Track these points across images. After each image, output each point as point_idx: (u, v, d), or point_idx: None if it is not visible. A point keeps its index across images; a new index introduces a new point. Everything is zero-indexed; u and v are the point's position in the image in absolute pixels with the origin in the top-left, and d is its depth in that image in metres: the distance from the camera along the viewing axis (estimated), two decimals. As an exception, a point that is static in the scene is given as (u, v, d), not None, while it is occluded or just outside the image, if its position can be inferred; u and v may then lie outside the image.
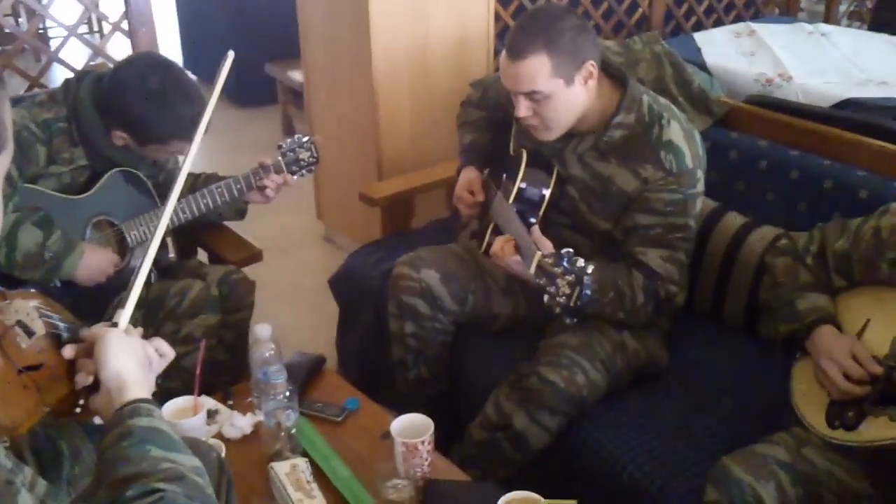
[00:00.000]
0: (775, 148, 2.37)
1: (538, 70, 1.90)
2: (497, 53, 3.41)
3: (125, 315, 1.25)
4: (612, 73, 2.07)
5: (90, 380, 1.20)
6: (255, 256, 2.47)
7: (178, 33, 5.95)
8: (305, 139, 2.30)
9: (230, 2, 5.24)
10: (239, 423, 1.88)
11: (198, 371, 1.70)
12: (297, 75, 4.70)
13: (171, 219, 2.11)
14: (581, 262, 1.67)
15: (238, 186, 2.23)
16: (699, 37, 3.50)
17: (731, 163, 2.39)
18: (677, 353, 2.16)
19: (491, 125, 2.42)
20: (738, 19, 4.50)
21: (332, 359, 2.58)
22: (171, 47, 5.90)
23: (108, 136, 2.11)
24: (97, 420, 1.22)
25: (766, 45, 3.43)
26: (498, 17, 3.48)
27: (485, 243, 2.18)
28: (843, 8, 5.09)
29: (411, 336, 2.19)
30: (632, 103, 2.01)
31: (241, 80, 4.89)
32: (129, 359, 1.18)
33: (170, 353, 1.29)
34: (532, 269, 1.75)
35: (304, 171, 2.31)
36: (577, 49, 1.91)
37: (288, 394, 1.78)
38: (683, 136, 2.00)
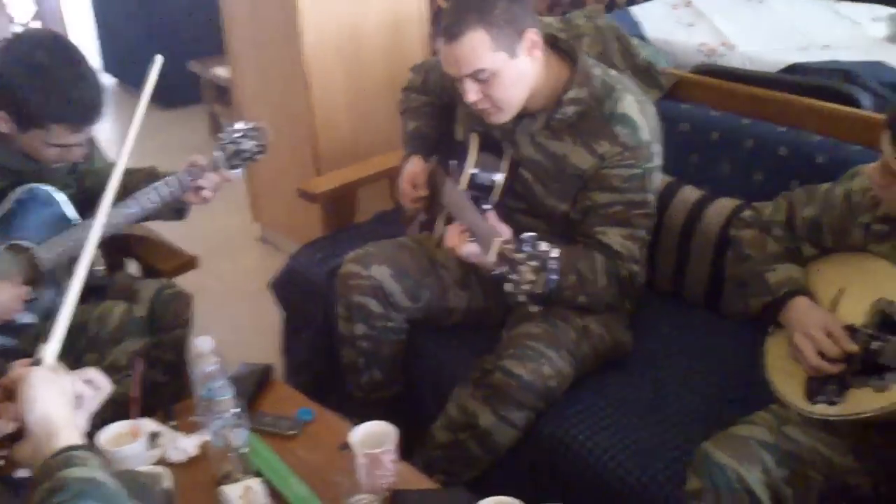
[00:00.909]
0: (727, 117, 2.30)
1: (477, 46, 1.79)
2: (433, 37, 3.29)
3: (50, 350, 1.11)
4: (560, 49, 1.97)
5: (12, 427, 1.06)
6: (188, 264, 2.32)
7: (95, 34, 5.68)
8: (250, 126, 2.08)
9: (147, 0, 5.03)
10: (183, 445, 1.73)
11: (136, 393, 1.55)
12: (221, 71, 4.53)
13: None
14: (544, 245, 1.56)
15: (170, 189, 2.01)
16: (636, 10, 3.43)
17: (684, 135, 2.31)
18: (640, 334, 2.08)
19: (435, 111, 2.30)
20: (671, -8, 4.45)
21: (278, 367, 2.44)
22: (87, 49, 5.62)
23: None
24: (22, 472, 1.07)
25: (704, 15, 3.37)
26: (431, 0, 3.36)
27: (437, 234, 2.07)
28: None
29: (363, 338, 2.07)
30: (583, 78, 1.91)
31: (163, 79, 4.64)
32: (57, 400, 1.04)
33: (105, 385, 1.14)
34: (492, 257, 1.63)
35: (246, 163, 2.09)
36: (514, 18, 1.81)
37: (236, 410, 1.64)
38: (638, 109, 1.92)
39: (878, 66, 2.72)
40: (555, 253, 1.54)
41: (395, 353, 2.10)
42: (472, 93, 1.86)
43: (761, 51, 3.02)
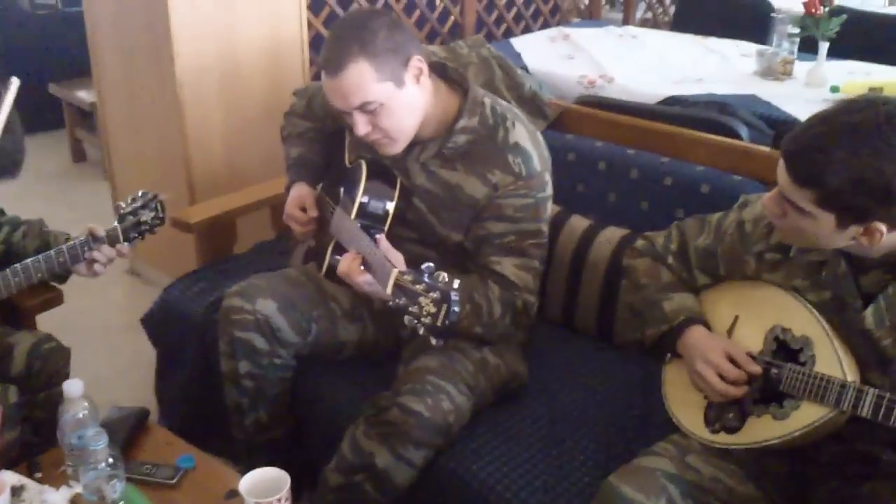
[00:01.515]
0: (612, 148, 2.32)
1: (362, 78, 1.73)
2: (312, 63, 3.21)
3: None
4: (449, 77, 1.93)
5: None
6: (54, 299, 2.13)
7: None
8: (150, 196, 1.96)
9: (1, 22, 4.72)
10: (52, 500, 1.56)
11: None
12: (84, 95, 4.32)
13: None
14: (444, 276, 1.50)
15: (61, 261, 1.86)
16: (516, 42, 3.47)
17: (570, 165, 2.32)
18: (534, 365, 2.04)
19: (320, 136, 2.22)
20: (544, 26, 4.55)
21: (152, 410, 2.27)
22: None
23: None
24: None
25: (582, 48, 3.45)
26: (310, 25, 3.28)
27: (326, 264, 1.97)
28: (638, 15, 5.29)
29: (247, 376, 1.95)
30: (474, 106, 1.88)
31: (22, 103, 4.38)
32: None
33: None
34: (388, 289, 1.56)
35: (143, 236, 1.97)
36: (397, 46, 1.76)
37: (111, 460, 1.50)
38: (529, 139, 1.90)
39: (751, 99, 2.83)
40: (456, 284, 1.49)
41: (282, 391, 1.99)
42: (361, 125, 1.79)
43: (639, 83, 3.10)
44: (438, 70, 1.93)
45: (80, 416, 1.58)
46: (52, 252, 1.85)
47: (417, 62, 1.79)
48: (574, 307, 2.22)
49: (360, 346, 2.06)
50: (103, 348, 2.94)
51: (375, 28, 1.75)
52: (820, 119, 1.37)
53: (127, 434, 1.76)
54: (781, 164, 1.40)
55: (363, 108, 1.77)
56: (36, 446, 1.82)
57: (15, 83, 1.34)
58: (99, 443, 1.48)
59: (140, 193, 1.97)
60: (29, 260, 1.82)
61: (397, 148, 1.85)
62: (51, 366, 1.93)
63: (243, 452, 2.04)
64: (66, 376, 1.93)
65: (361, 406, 1.84)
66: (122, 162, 3.28)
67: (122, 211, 1.94)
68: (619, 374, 2.06)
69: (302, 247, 2.23)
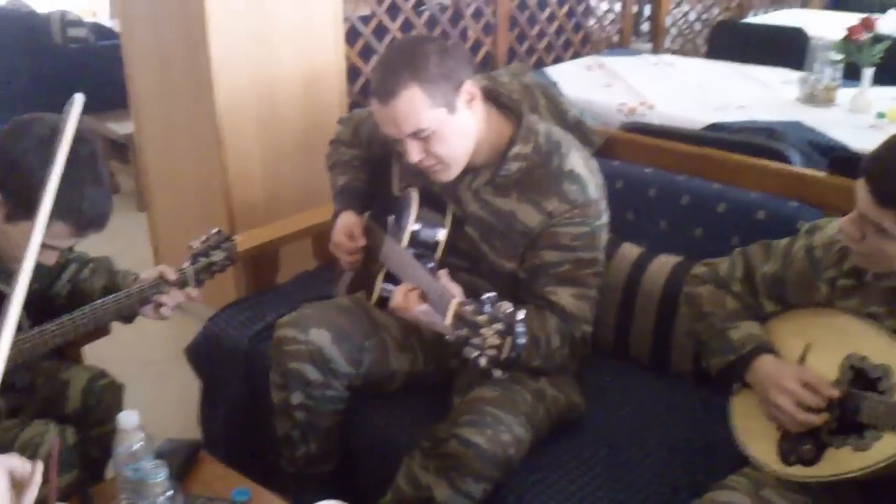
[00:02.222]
0: (662, 174, 2.28)
1: (414, 104, 1.71)
2: (349, 94, 3.21)
3: None
4: (502, 104, 1.91)
5: None
6: (100, 331, 2.10)
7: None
8: (224, 236, 1.93)
9: (34, 55, 4.76)
10: (106, 535, 1.53)
11: (53, 479, 1.34)
12: (118, 127, 4.34)
13: (38, 343, 1.68)
14: (508, 307, 1.47)
15: (130, 303, 1.80)
16: (552, 71, 3.46)
17: (619, 192, 2.28)
18: (589, 395, 1.99)
19: (367, 164, 2.20)
20: (575, 56, 4.54)
21: (197, 441, 2.24)
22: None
23: None
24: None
25: (619, 76, 3.43)
26: (346, 57, 3.28)
27: (376, 294, 1.94)
28: (666, 45, 5.28)
29: (299, 407, 1.91)
30: (528, 133, 1.86)
31: (53, 136, 4.42)
32: None
33: (30, 470, 0.96)
34: (448, 320, 1.52)
35: (213, 277, 1.92)
36: (449, 71, 1.74)
37: (169, 493, 1.46)
38: (584, 165, 1.87)
39: (797, 125, 2.80)
40: (521, 315, 1.45)
41: (334, 423, 1.95)
42: (414, 153, 1.77)
43: (680, 111, 3.08)
44: (491, 96, 1.91)
45: (136, 448, 1.55)
46: (120, 295, 1.79)
47: (470, 87, 1.77)
48: (627, 336, 2.18)
49: (411, 377, 2.02)
50: (146, 380, 2.90)
51: (427, 53, 1.73)
52: None
53: (180, 466, 1.72)
54: (862, 185, 1.36)
55: (416, 134, 1.75)
56: (87, 482, 1.78)
57: (79, 100, 1.31)
58: (158, 476, 1.45)
59: (214, 232, 1.94)
60: (98, 302, 1.76)
61: (451, 174, 1.83)
62: (106, 402, 1.90)
63: (293, 485, 2.00)
64: (119, 412, 1.89)
65: (416, 438, 1.80)
66: (159, 193, 3.28)
67: (193, 251, 1.89)
68: (676, 404, 2.01)
69: (347, 276, 2.20)
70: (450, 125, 1.76)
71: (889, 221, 1.33)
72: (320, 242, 2.61)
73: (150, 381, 2.90)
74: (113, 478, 1.67)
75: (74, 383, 1.88)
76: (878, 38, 3.27)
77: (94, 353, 2.18)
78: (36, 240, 1.12)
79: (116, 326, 2.15)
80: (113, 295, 1.79)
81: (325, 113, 3.10)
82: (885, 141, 1.38)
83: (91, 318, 1.74)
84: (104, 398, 1.90)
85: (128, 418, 1.58)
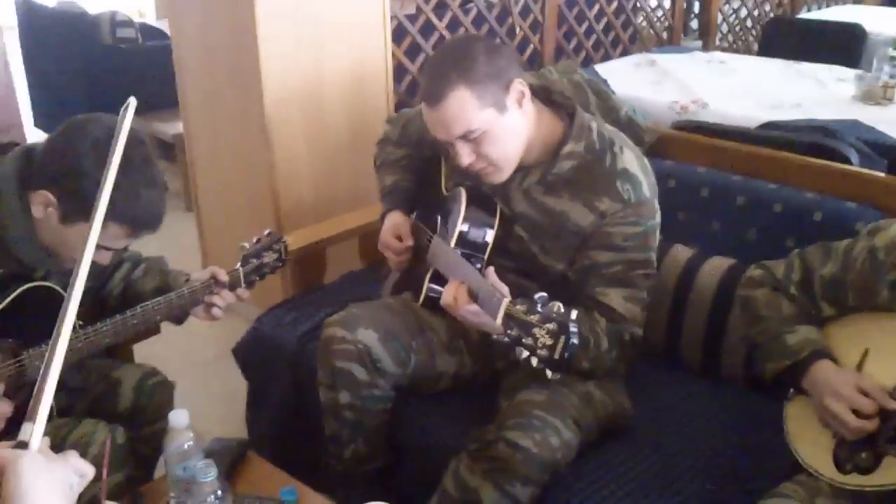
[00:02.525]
0: (715, 174, 2.24)
1: (464, 106, 1.69)
2: (396, 91, 3.21)
3: (37, 430, 0.92)
4: (554, 102, 1.88)
5: None
6: (151, 330, 2.12)
7: (26, 86, 5.43)
8: (276, 237, 1.94)
9: (84, 55, 4.84)
10: (156, 533, 1.54)
11: (105, 475, 1.35)
12: (165, 127, 4.40)
13: (91, 342, 1.68)
14: (560, 306, 1.45)
15: (182, 304, 1.80)
16: (601, 69, 3.42)
17: (670, 192, 2.24)
18: (637, 400, 1.95)
19: (414, 164, 2.19)
20: (624, 54, 4.49)
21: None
22: (21, 103, 5.37)
23: (25, 218, 1.63)
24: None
25: (670, 74, 3.38)
26: (392, 56, 3.28)
27: (423, 294, 1.93)
28: (718, 42, 5.20)
29: (347, 407, 1.91)
30: (581, 131, 1.83)
31: (105, 136, 4.50)
32: (51, 494, 0.86)
33: (89, 471, 0.97)
34: (499, 319, 1.51)
35: (263, 278, 1.93)
36: (498, 71, 1.72)
37: (219, 492, 1.47)
38: (638, 164, 1.84)
39: (855, 124, 2.73)
40: (574, 315, 1.43)
41: (381, 423, 1.94)
42: (465, 156, 1.75)
43: (734, 108, 3.02)
44: (542, 94, 1.88)
45: (186, 447, 1.56)
46: (172, 295, 1.79)
47: (519, 86, 1.75)
48: (678, 340, 2.14)
49: (457, 378, 2.01)
50: (193, 379, 2.93)
51: (474, 54, 1.71)
52: None
53: (228, 466, 1.73)
54: None
55: (466, 136, 1.73)
56: (138, 481, 1.80)
57: (132, 104, 1.31)
58: (208, 475, 1.45)
59: (266, 233, 1.94)
60: (149, 303, 1.76)
61: (503, 176, 1.81)
62: (157, 401, 1.91)
63: (340, 484, 2.00)
64: (170, 410, 1.91)
65: (462, 439, 1.78)
66: (207, 193, 3.31)
67: (245, 253, 1.90)
68: (727, 410, 1.97)
69: (394, 276, 2.19)
70: (500, 125, 1.74)
71: None
72: (367, 242, 2.61)
73: (198, 381, 2.92)
74: (162, 476, 1.69)
75: (126, 381, 1.90)
76: (939, 33, 3.18)
77: (143, 353, 2.20)
78: (92, 241, 1.13)
79: (165, 326, 2.18)
80: (164, 295, 1.79)
81: (371, 112, 3.10)
82: None
83: (142, 318, 1.75)
84: (155, 396, 1.91)
85: (178, 417, 1.59)
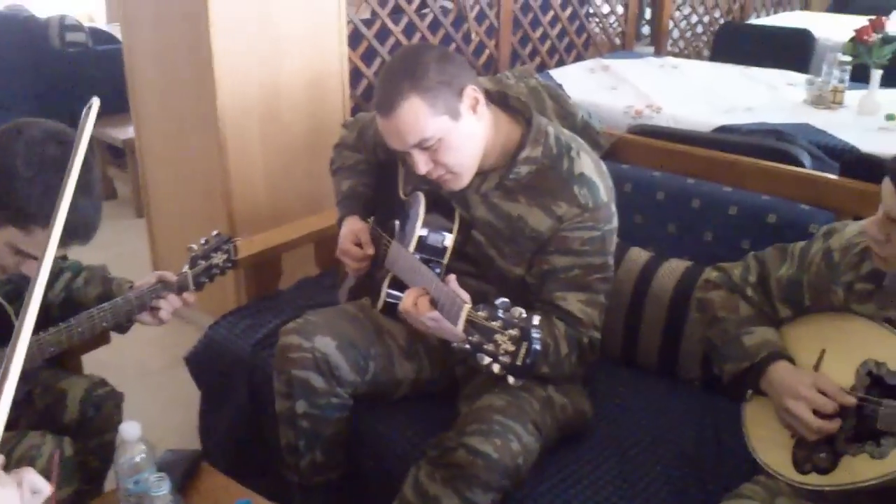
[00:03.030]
0: (671, 178, 2.26)
1: (417, 115, 1.67)
2: (353, 96, 3.18)
3: None
4: (510, 107, 1.88)
5: None
6: (100, 338, 2.06)
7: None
8: (224, 238, 1.90)
9: (33, 59, 4.73)
10: (107, 549, 1.49)
11: (53, 492, 1.31)
12: (116, 132, 4.31)
13: (34, 352, 1.62)
14: (522, 312, 1.43)
15: (127, 309, 1.76)
16: (556, 74, 3.43)
17: (627, 196, 2.25)
18: (597, 402, 1.96)
19: (372, 168, 2.17)
20: (578, 59, 4.52)
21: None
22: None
23: None
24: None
25: (624, 79, 3.40)
26: (348, 60, 3.25)
27: (382, 299, 1.90)
28: (669, 47, 5.25)
29: (304, 416, 1.87)
30: (538, 135, 1.82)
31: (53, 141, 4.42)
32: None
33: (45, 488, 0.93)
34: (460, 325, 1.49)
35: (212, 280, 1.88)
36: (450, 78, 1.70)
37: (172, 506, 1.43)
38: (595, 169, 1.83)
39: (806, 127, 2.77)
40: (536, 320, 1.41)
41: (339, 431, 1.91)
42: (422, 164, 1.73)
43: (688, 113, 3.05)
44: (499, 100, 1.88)
45: (138, 459, 1.51)
46: (118, 300, 1.75)
47: (472, 92, 1.74)
48: (635, 342, 2.14)
49: (416, 385, 1.99)
50: (145, 389, 2.87)
51: (425, 62, 1.70)
52: None
53: (182, 478, 1.69)
54: (889, 186, 1.32)
55: (421, 145, 1.71)
56: (88, 494, 1.74)
57: (95, 104, 1.26)
58: (161, 489, 1.41)
59: (214, 234, 1.90)
60: (94, 309, 1.71)
61: (462, 182, 1.79)
62: (105, 412, 1.86)
63: (297, 495, 1.96)
64: (119, 422, 1.86)
65: (422, 446, 1.76)
66: (158, 198, 3.24)
67: (193, 254, 1.85)
68: (686, 412, 1.98)
69: (351, 281, 2.16)
70: (455, 132, 1.72)
71: None
72: (323, 248, 2.58)
73: (149, 391, 2.86)
74: (113, 490, 1.64)
75: (73, 393, 1.85)
76: (886, 40, 3.25)
77: (93, 363, 2.15)
78: (51, 250, 1.08)
79: (115, 335, 2.12)
80: (110, 301, 1.75)
81: (328, 116, 3.07)
82: None
83: (88, 325, 1.70)
84: (104, 407, 1.86)
85: (129, 429, 1.54)
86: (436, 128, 1.69)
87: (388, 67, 1.77)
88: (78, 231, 1.58)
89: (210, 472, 1.78)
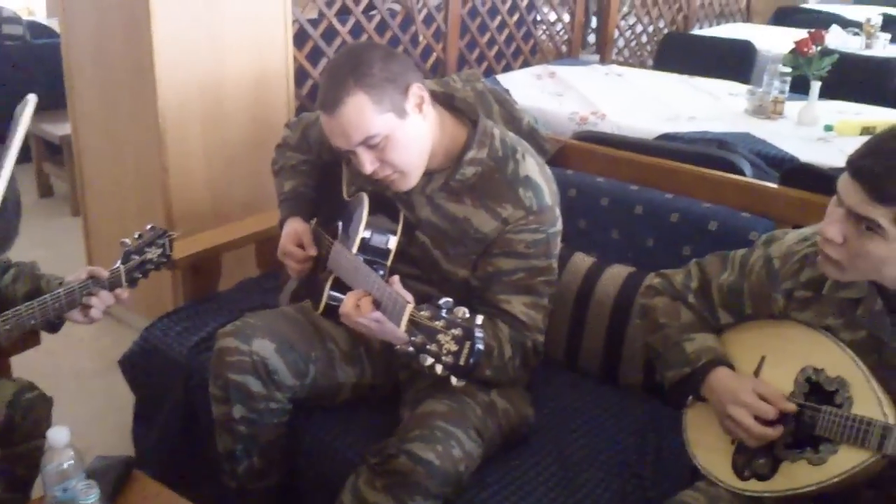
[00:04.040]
0: (615, 184, 2.27)
1: (361, 111, 1.65)
2: (296, 96, 3.13)
3: None
4: (456, 108, 1.86)
5: None
6: (31, 340, 1.99)
7: None
8: (160, 232, 1.83)
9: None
10: (30, 560, 1.43)
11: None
12: (53, 129, 4.19)
13: None
14: (465, 312, 1.41)
15: (56, 306, 1.70)
16: (503, 79, 3.44)
17: (571, 201, 2.26)
18: (539, 407, 1.95)
19: (314, 169, 2.14)
20: (525, 65, 4.53)
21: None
22: None
23: None
24: None
25: (570, 85, 3.42)
26: (294, 59, 3.20)
27: (323, 302, 1.87)
28: (614, 56, 5.30)
29: (241, 421, 1.83)
30: (483, 137, 1.81)
31: (-13, 136, 4.29)
32: None
33: None
34: (402, 325, 1.47)
35: (146, 276, 1.82)
36: (395, 76, 1.68)
37: (100, 515, 1.37)
38: (539, 172, 1.83)
39: (747, 136, 2.80)
40: (479, 320, 1.40)
41: (277, 437, 1.87)
42: (368, 163, 1.71)
43: (632, 120, 3.07)
44: (444, 101, 1.86)
45: (66, 466, 1.45)
46: (46, 297, 1.68)
47: (417, 90, 1.72)
48: (578, 347, 2.14)
49: (357, 389, 1.95)
50: (75, 393, 2.79)
51: (370, 60, 1.67)
52: (893, 136, 1.31)
53: (113, 485, 1.62)
54: (851, 184, 1.32)
55: (367, 143, 1.68)
56: (13, 502, 1.67)
57: (32, 100, 1.20)
58: (89, 497, 1.36)
59: (149, 228, 1.84)
60: (22, 306, 1.65)
61: (409, 183, 1.77)
62: (33, 417, 1.78)
63: (235, 501, 1.92)
64: (48, 427, 1.79)
65: (363, 453, 1.73)
66: (95, 196, 3.16)
67: (126, 249, 1.79)
68: (627, 417, 1.98)
69: (292, 283, 2.12)
70: (401, 130, 1.70)
71: (886, 219, 1.29)
72: (264, 249, 2.53)
73: (81, 394, 2.78)
74: (40, 497, 1.57)
75: None
76: (825, 52, 3.32)
77: (22, 365, 2.07)
78: None
79: (46, 336, 2.05)
80: (38, 298, 1.68)
81: (271, 116, 3.02)
82: (871, 139, 1.34)
83: (15, 323, 1.64)
84: (32, 412, 1.79)
85: (57, 435, 1.48)
86: (381, 125, 1.66)
87: (331, 64, 1.74)
88: None
89: (143, 480, 1.72)
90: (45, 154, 4.44)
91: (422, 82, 1.74)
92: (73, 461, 1.46)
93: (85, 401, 2.75)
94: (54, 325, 1.80)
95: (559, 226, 1.85)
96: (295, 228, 2.00)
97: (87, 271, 1.75)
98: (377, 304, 1.59)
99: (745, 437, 1.49)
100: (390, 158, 1.71)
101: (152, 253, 1.83)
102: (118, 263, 1.78)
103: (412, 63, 1.80)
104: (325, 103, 1.68)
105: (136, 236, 1.83)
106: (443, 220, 1.82)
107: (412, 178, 1.76)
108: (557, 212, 1.85)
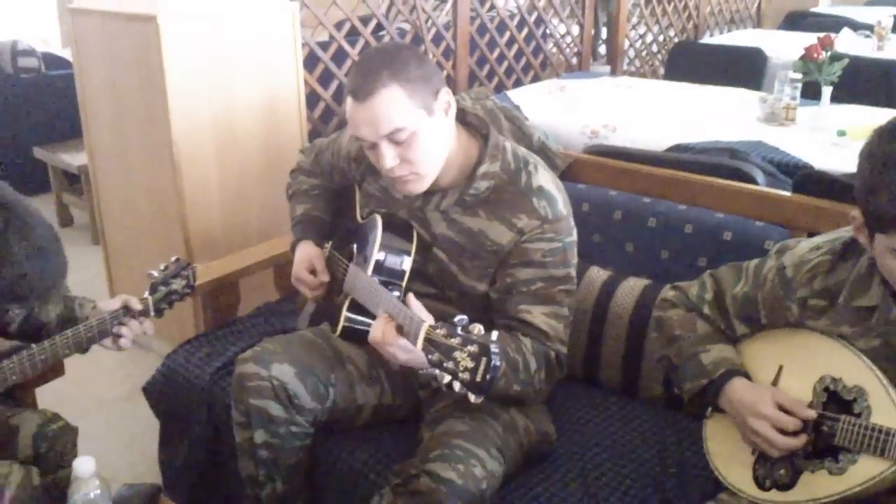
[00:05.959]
0: (628, 197, 2.27)
1: (394, 103, 1.66)
2: (308, 120, 3.16)
3: None
4: (468, 123, 1.88)
5: None
6: (56, 370, 2.02)
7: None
8: (184, 264, 1.90)
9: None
10: (60, 590, 1.45)
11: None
12: (71, 158, 4.25)
13: None
14: (480, 328, 1.42)
15: (89, 336, 1.75)
16: (513, 94, 3.45)
17: (584, 215, 2.27)
18: (559, 422, 1.95)
19: (327, 193, 2.16)
20: (535, 79, 4.55)
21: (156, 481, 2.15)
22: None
23: None
24: None
25: (581, 99, 3.43)
26: (304, 83, 3.24)
27: (341, 324, 1.89)
28: (625, 67, 5.32)
29: (263, 446, 1.84)
30: (495, 151, 1.82)
31: (7, 168, 4.36)
32: None
33: None
34: (419, 343, 1.47)
35: (171, 306, 1.89)
36: (428, 76, 1.70)
37: (127, 544, 1.39)
38: (552, 182, 1.84)
39: (759, 145, 2.80)
40: (494, 336, 1.40)
41: (300, 460, 1.88)
42: (388, 158, 1.71)
43: (643, 132, 3.07)
44: (457, 116, 1.87)
45: (93, 496, 1.47)
46: (80, 328, 1.74)
47: (446, 95, 1.74)
48: (597, 361, 2.15)
49: (378, 410, 1.96)
50: (101, 420, 2.81)
51: (405, 58, 1.70)
52: None
53: (139, 514, 1.65)
54: None
55: (392, 136, 1.69)
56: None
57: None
58: (115, 526, 1.37)
59: (173, 260, 1.90)
60: (57, 337, 1.70)
61: (423, 185, 1.77)
62: (59, 448, 1.80)
63: (258, 527, 1.93)
64: (75, 457, 1.81)
65: (385, 474, 1.74)
66: (114, 225, 3.20)
67: (153, 281, 1.84)
68: (648, 430, 1.98)
69: (310, 307, 2.14)
70: (428, 129, 1.71)
71: None
72: (282, 273, 2.55)
73: (106, 422, 2.81)
74: (67, 528, 1.59)
75: (24, 429, 1.79)
76: (835, 57, 3.31)
77: (48, 394, 2.10)
78: None
79: (70, 365, 2.08)
80: (72, 329, 1.73)
81: (284, 140, 3.05)
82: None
83: (50, 352, 1.69)
84: (57, 443, 1.81)
85: (83, 465, 1.50)
86: (411, 119, 1.68)
87: (366, 58, 1.75)
88: (41, 292, 1.55)
89: (168, 506, 1.74)
90: (64, 184, 4.50)
91: (448, 89, 1.77)
92: (99, 490, 1.48)
93: (110, 428, 2.78)
94: (84, 349, 1.83)
95: (574, 235, 1.85)
96: (308, 253, 2.02)
97: (119, 301, 1.80)
98: (400, 329, 1.59)
99: (766, 449, 1.49)
100: (412, 156, 1.71)
101: (177, 284, 1.88)
102: (147, 294, 1.83)
103: (440, 71, 1.82)
104: (357, 91, 1.68)
105: (162, 268, 1.89)
106: (459, 235, 1.83)
107: (426, 182, 1.77)
108: (572, 222, 1.85)
